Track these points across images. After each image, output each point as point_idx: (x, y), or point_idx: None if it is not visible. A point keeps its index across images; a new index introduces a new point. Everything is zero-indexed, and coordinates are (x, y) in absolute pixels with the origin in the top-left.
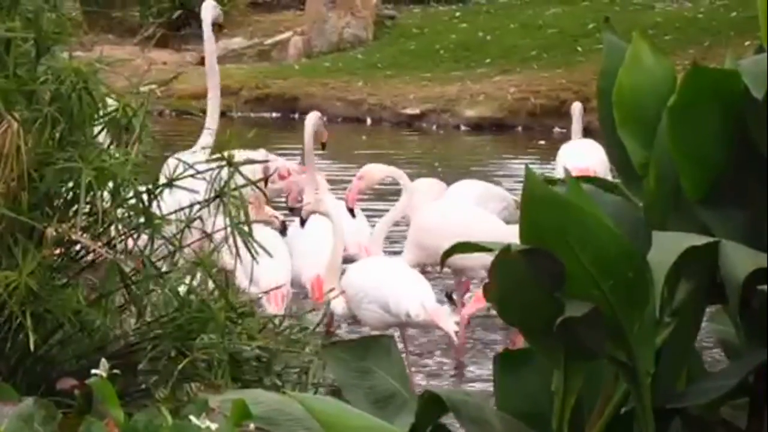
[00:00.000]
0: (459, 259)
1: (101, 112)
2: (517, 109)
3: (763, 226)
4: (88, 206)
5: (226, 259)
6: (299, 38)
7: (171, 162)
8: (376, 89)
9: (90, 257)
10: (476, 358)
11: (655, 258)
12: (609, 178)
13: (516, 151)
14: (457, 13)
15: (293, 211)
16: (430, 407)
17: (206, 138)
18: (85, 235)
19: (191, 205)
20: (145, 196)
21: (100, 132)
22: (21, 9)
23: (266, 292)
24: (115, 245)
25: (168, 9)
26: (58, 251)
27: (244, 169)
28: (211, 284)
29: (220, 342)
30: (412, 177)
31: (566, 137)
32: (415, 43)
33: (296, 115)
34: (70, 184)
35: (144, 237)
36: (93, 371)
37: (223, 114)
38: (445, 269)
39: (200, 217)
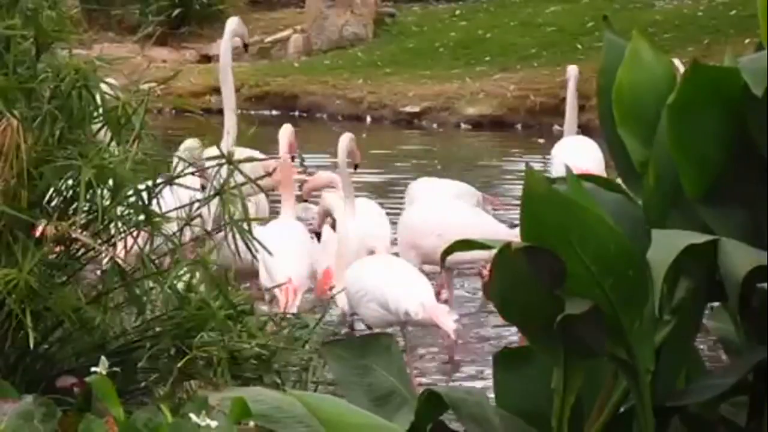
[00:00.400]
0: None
1: (101, 110)
2: (517, 106)
3: (763, 224)
4: (88, 204)
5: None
6: (299, 36)
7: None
8: (375, 87)
9: (90, 255)
10: (472, 356)
11: (655, 256)
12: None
13: (516, 148)
14: (457, 11)
15: (318, 236)
16: (430, 405)
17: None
18: (84, 232)
19: (191, 203)
20: (144, 194)
21: (99, 130)
22: (21, 7)
23: (277, 286)
24: (114, 243)
25: (167, 7)
26: (57, 249)
27: (245, 167)
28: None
29: (219, 340)
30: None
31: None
32: (414, 41)
33: (296, 113)
34: (70, 182)
35: (144, 235)
36: (93, 369)
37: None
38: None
39: (200, 215)
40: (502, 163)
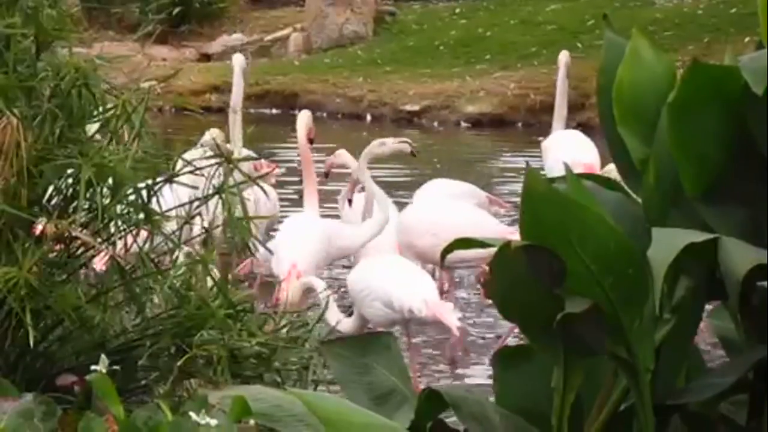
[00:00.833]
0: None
1: (101, 109)
2: (517, 105)
3: (763, 222)
4: (88, 202)
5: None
6: (299, 34)
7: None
8: (376, 85)
9: (90, 254)
10: (472, 355)
11: (655, 254)
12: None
13: (516, 147)
14: (457, 10)
15: (350, 202)
16: (430, 403)
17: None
18: (84, 231)
19: (191, 202)
20: (144, 193)
21: (99, 128)
22: (21, 5)
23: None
24: (114, 242)
25: (167, 5)
26: (57, 247)
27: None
28: (210, 281)
29: (219, 338)
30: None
31: None
32: (414, 39)
33: (296, 112)
34: (70, 181)
35: (144, 233)
36: (93, 367)
37: (222, 110)
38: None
39: (200, 214)
40: (502, 162)
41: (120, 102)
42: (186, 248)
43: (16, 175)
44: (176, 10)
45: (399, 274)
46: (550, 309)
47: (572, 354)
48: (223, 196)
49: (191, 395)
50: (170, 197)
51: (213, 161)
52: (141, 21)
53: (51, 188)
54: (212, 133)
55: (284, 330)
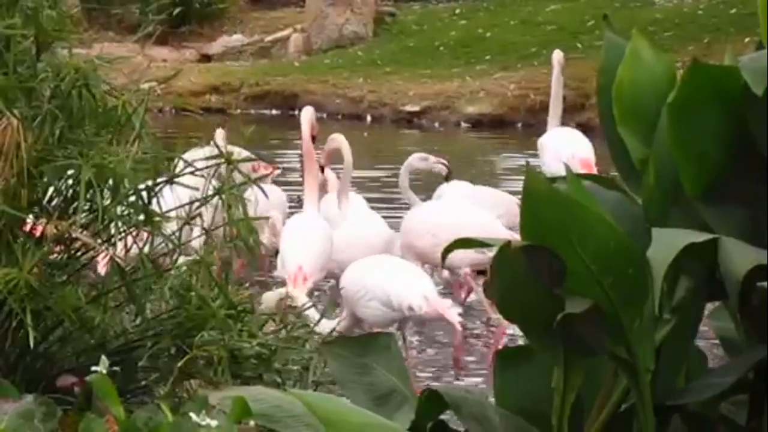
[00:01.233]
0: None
1: (101, 110)
2: (517, 105)
3: (763, 223)
4: (88, 203)
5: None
6: (299, 35)
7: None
8: (376, 86)
9: (90, 254)
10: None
11: (655, 255)
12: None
13: (516, 147)
14: (457, 10)
15: (322, 169)
16: (431, 404)
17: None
18: (84, 232)
19: (191, 203)
20: (144, 194)
21: (100, 129)
22: (21, 6)
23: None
24: (114, 243)
25: (168, 6)
26: (58, 248)
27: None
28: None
29: (220, 339)
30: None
31: None
32: (414, 40)
33: (296, 112)
34: (70, 182)
35: (144, 234)
36: (93, 368)
37: (222, 111)
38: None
39: (200, 215)
40: (503, 162)
41: (120, 103)
42: (187, 249)
43: (16, 175)
44: (176, 10)
45: (396, 272)
46: (550, 309)
47: (572, 354)
48: (224, 196)
49: (191, 396)
50: (170, 198)
51: (213, 162)
52: (141, 22)
53: (51, 189)
54: (222, 134)
55: (284, 330)
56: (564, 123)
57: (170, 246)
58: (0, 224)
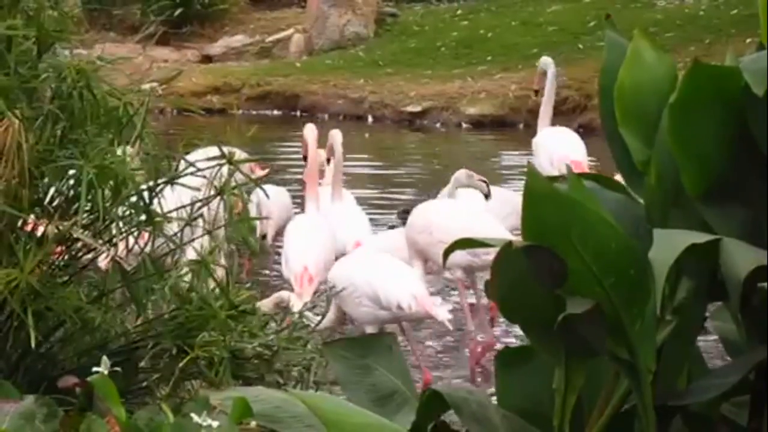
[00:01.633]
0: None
1: (102, 110)
2: (518, 106)
3: (764, 224)
4: (89, 204)
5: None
6: (300, 36)
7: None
8: (377, 87)
9: (91, 255)
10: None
11: (657, 255)
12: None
13: (517, 148)
14: (458, 11)
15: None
16: (432, 405)
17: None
18: (86, 233)
19: (192, 203)
20: (146, 194)
21: (101, 130)
22: (22, 6)
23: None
24: (116, 243)
25: (169, 7)
26: (59, 249)
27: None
28: (212, 282)
29: (221, 339)
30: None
31: None
32: (416, 40)
33: (297, 113)
34: (71, 182)
35: (145, 235)
36: (94, 369)
37: (223, 111)
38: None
39: (201, 215)
40: (504, 163)
41: (121, 103)
42: (188, 249)
43: (18, 176)
44: (177, 11)
45: (384, 269)
46: (552, 310)
47: (574, 355)
48: (225, 197)
49: (193, 396)
50: (172, 198)
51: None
52: (142, 22)
53: (52, 190)
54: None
55: (285, 331)
56: (566, 124)
57: (171, 246)
58: (1, 225)
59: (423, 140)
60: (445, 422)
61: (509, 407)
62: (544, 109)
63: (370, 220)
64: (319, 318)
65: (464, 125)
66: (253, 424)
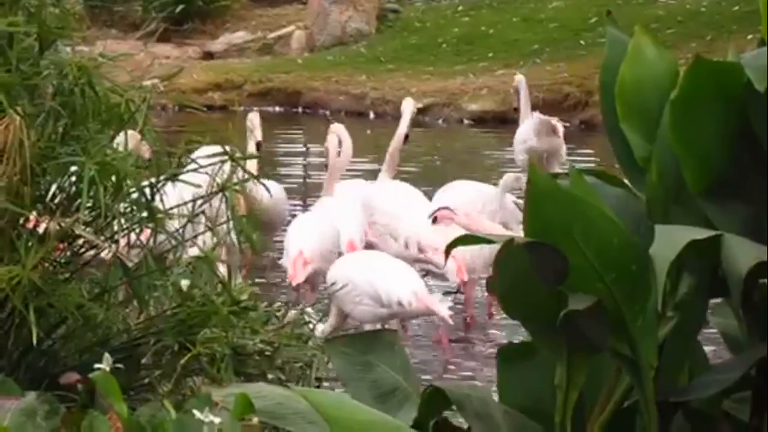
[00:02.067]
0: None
1: (103, 107)
2: None
3: (765, 220)
4: (91, 201)
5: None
6: (302, 32)
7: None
8: (378, 83)
9: (93, 252)
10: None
11: (658, 251)
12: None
13: None
14: (460, 7)
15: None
16: (434, 401)
17: None
18: (87, 229)
19: (194, 200)
20: (147, 191)
21: (103, 126)
22: (23, 3)
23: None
24: (117, 240)
25: (170, 3)
26: (61, 246)
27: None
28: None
29: (223, 336)
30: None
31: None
32: (417, 36)
33: (299, 109)
34: (73, 179)
35: (147, 231)
36: (96, 365)
37: (225, 108)
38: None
39: (203, 212)
40: (505, 159)
41: (123, 100)
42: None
43: (19, 173)
44: (179, 8)
45: (384, 268)
46: (553, 306)
47: (575, 351)
48: (227, 193)
49: (195, 393)
50: (173, 195)
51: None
52: (144, 19)
53: (54, 186)
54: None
55: (287, 328)
56: (567, 120)
57: (173, 243)
58: (3, 222)
59: (424, 136)
60: (447, 419)
61: (511, 404)
62: (522, 114)
63: None
64: (320, 316)
65: (466, 121)
66: (255, 420)
